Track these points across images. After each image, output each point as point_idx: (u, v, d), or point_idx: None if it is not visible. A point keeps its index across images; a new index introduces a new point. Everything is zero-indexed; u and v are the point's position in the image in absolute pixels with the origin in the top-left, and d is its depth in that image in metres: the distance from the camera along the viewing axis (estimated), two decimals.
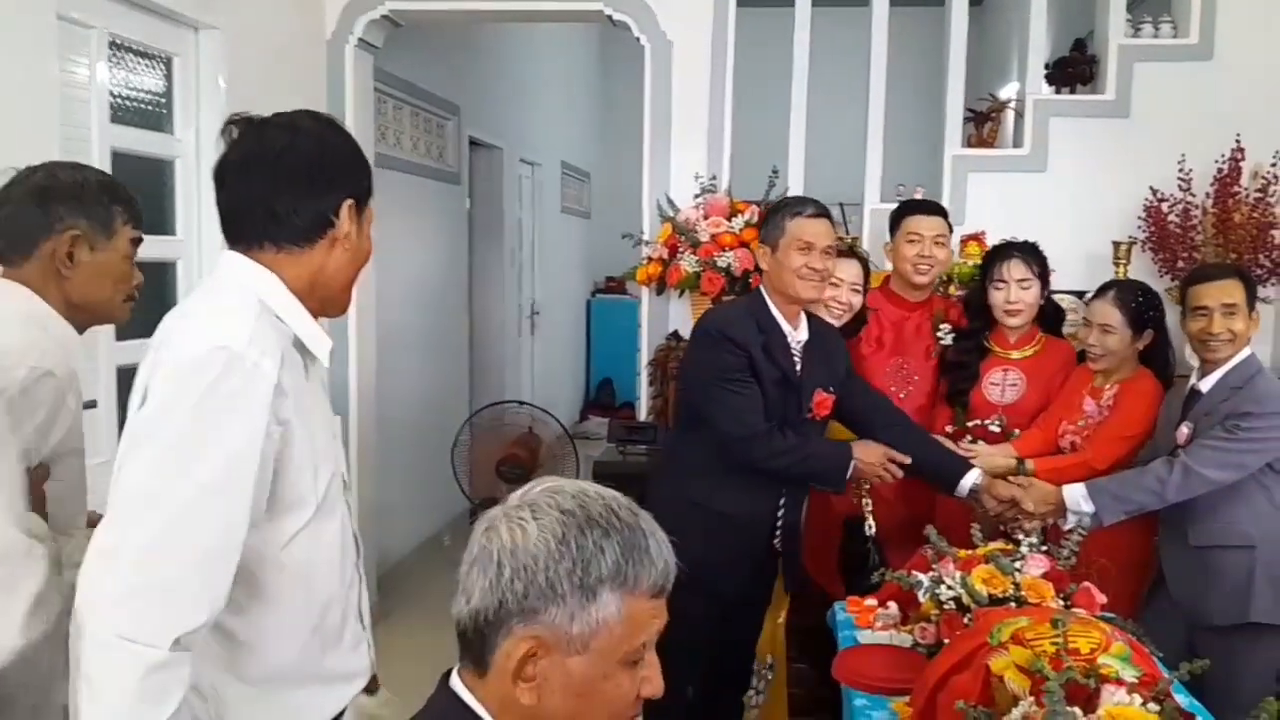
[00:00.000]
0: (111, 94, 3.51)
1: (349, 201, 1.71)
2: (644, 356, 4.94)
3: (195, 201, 3.94)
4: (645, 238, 4.86)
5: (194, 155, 3.95)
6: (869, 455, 3.20)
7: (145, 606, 1.46)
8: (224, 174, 1.70)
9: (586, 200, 10.85)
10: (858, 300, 3.58)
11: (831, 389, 3.25)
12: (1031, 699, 1.84)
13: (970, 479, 3.27)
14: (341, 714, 1.84)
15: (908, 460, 3.22)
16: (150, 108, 3.80)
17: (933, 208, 3.84)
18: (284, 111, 1.76)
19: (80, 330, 2.10)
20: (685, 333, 4.67)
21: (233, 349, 1.54)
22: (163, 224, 3.85)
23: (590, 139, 10.81)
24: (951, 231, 3.84)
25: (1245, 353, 3.18)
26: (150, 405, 1.55)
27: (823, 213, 3.19)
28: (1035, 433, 3.59)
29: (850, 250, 3.66)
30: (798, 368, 3.20)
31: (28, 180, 2.05)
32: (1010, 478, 3.37)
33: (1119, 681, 1.85)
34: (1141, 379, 3.47)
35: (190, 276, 3.92)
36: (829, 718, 3.64)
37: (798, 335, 3.23)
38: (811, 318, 3.33)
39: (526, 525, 1.28)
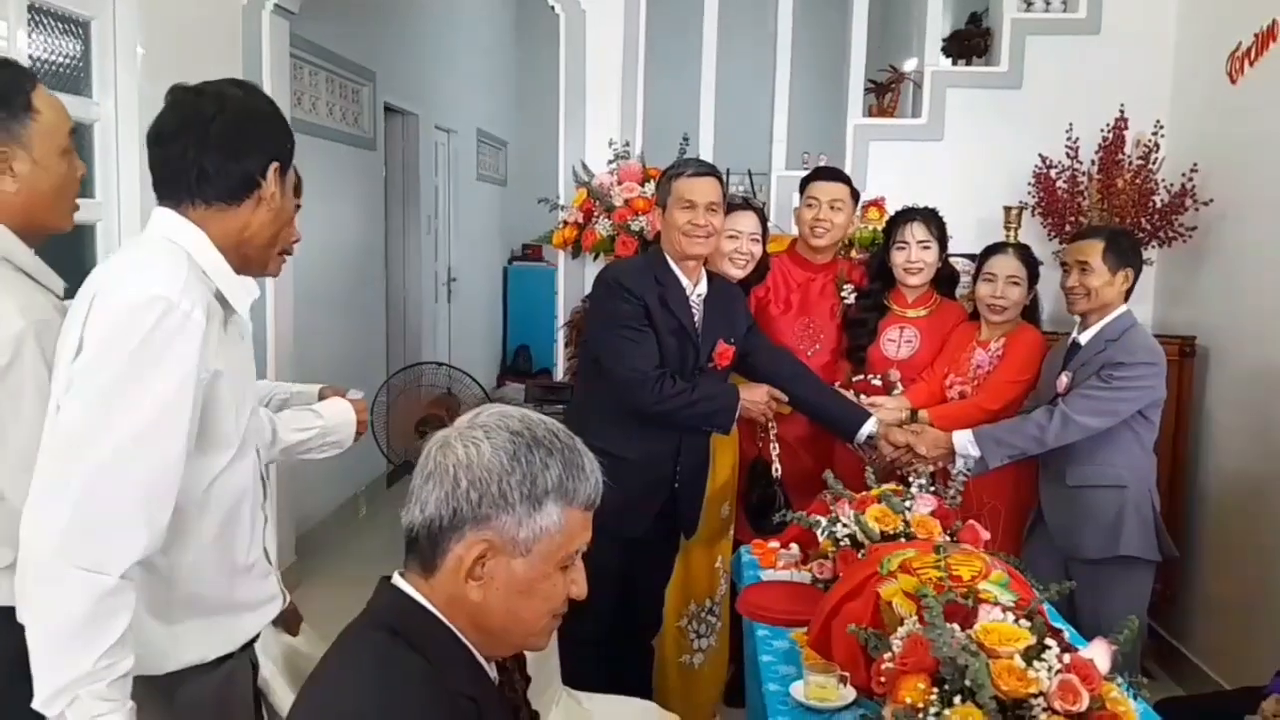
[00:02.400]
0: (30, 57, 3.52)
1: (274, 164, 1.83)
2: (561, 323, 5.04)
3: (114, 165, 3.95)
4: (561, 203, 4.96)
5: (113, 119, 3.95)
6: (754, 395, 3.41)
7: (95, 537, 1.57)
8: (159, 136, 1.81)
9: (503, 168, 10.84)
10: (757, 249, 3.73)
11: (732, 340, 3.40)
12: (915, 619, 2.02)
13: (868, 427, 3.47)
14: (254, 640, 1.96)
15: (786, 399, 3.45)
16: (69, 72, 3.81)
17: (835, 175, 4.01)
18: (213, 80, 1.88)
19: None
20: None
21: (168, 298, 1.65)
22: (81, 187, 3.86)
23: (507, 107, 10.78)
24: (856, 198, 4.01)
25: (1121, 309, 3.42)
26: (89, 351, 1.63)
27: (706, 172, 3.32)
28: (922, 386, 3.80)
29: (746, 203, 3.81)
30: (696, 319, 3.34)
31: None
32: (905, 426, 3.58)
33: (997, 604, 2.03)
34: (1027, 330, 3.73)
35: (109, 238, 3.93)
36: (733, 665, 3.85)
37: (697, 289, 3.37)
38: (712, 275, 3.47)
39: (480, 444, 1.44)
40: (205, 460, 1.75)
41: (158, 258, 1.74)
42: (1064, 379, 3.43)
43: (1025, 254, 3.77)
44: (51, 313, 1.96)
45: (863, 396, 3.74)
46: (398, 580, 1.51)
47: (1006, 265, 3.71)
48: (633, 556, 3.33)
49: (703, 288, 3.39)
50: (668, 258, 3.35)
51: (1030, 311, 3.81)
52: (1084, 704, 1.73)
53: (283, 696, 1.97)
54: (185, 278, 1.70)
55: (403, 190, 7.75)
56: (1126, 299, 3.48)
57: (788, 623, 2.66)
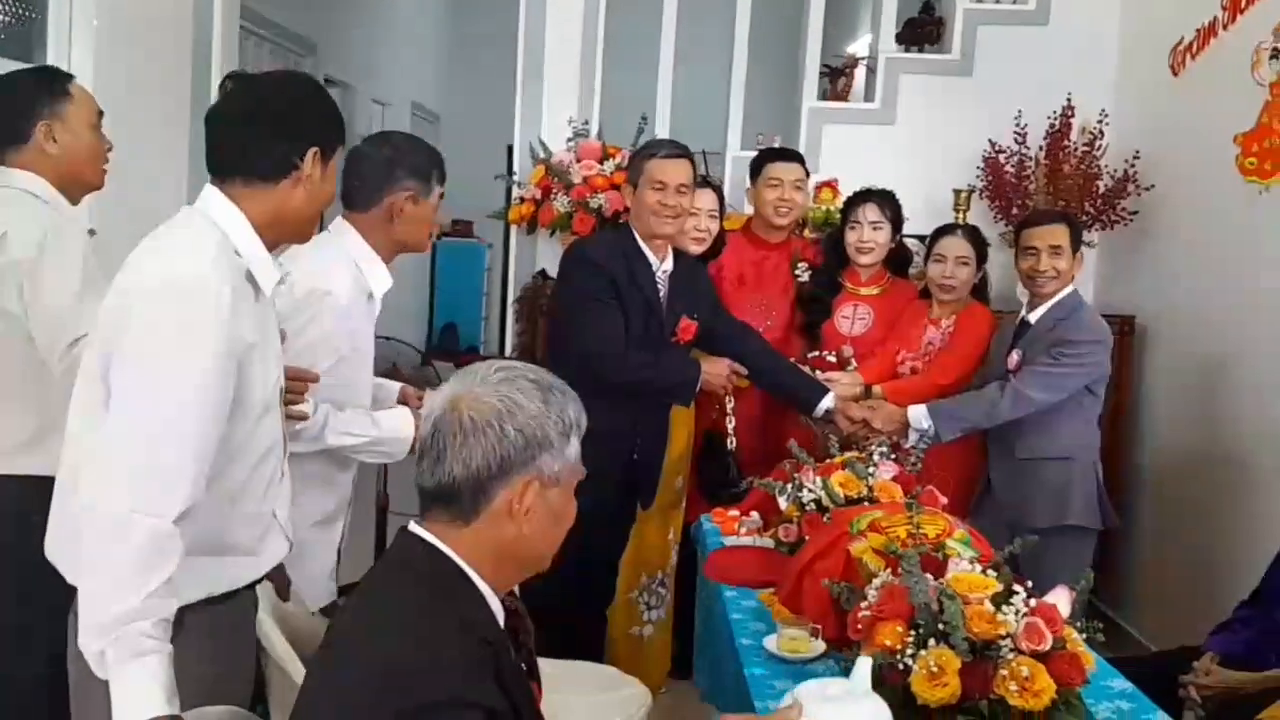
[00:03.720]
0: None
1: (314, 149, 1.96)
2: (494, 300, 5.08)
3: None
4: (517, 179, 5.00)
5: None
6: (715, 368, 3.49)
7: (156, 487, 1.70)
8: (211, 117, 1.97)
9: (435, 143, 10.71)
10: (715, 226, 3.81)
11: (695, 316, 3.48)
12: (888, 571, 2.12)
13: (826, 402, 3.57)
14: (258, 582, 2.06)
15: (745, 371, 3.54)
16: (25, 42, 3.80)
17: (791, 155, 4.12)
18: (275, 70, 2.01)
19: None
20: (553, 271, 4.83)
21: (200, 273, 1.79)
22: None
23: (440, 81, 10.67)
24: (809, 177, 4.11)
25: (1069, 289, 3.55)
26: (136, 325, 1.77)
27: (678, 154, 3.39)
28: (875, 362, 3.91)
29: (705, 181, 3.90)
30: (662, 295, 3.42)
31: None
32: (860, 401, 3.68)
33: (962, 559, 2.15)
34: (977, 308, 3.86)
35: None
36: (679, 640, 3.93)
37: (664, 266, 3.45)
38: (678, 253, 3.55)
39: (514, 395, 1.58)
40: (235, 424, 1.87)
41: (191, 235, 1.89)
42: (1014, 356, 3.55)
43: (974, 235, 3.90)
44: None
45: (818, 372, 3.84)
46: (420, 531, 1.60)
47: (956, 246, 3.83)
48: (590, 527, 3.39)
49: (669, 264, 3.47)
50: (636, 235, 3.42)
51: (980, 290, 3.93)
52: (1048, 644, 1.84)
53: (276, 641, 2.04)
54: (215, 254, 1.84)
55: (340, 164, 7.68)
56: (1072, 279, 3.60)
57: (755, 584, 2.75)
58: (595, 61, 5.05)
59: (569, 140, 4.84)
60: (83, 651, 1.69)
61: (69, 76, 2.76)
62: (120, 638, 1.64)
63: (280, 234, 2.00)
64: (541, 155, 4.90)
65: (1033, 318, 3.58)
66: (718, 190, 3.88)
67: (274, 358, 2.01)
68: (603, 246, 3.46)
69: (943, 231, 3.95)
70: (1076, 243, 3.55)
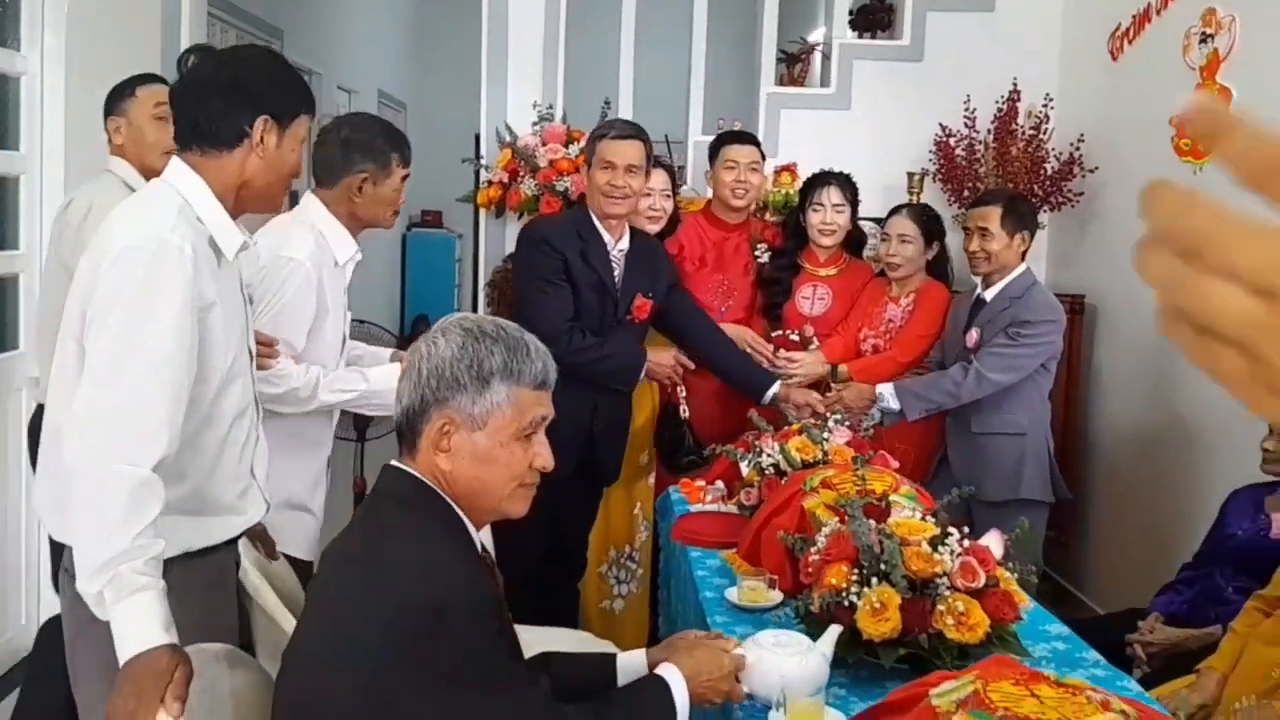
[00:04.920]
0: None
1: (264, 117, 2.06)
2: (466, 290, 5.18)
3: (38, 117, 4.00)
4: (484, 163, 5.12)
5: (38, 73, 3.99)
6: (661, 359, 3.61)
7: (132, 438, 1.83)
8: (175, 90, 2.10)
9: (403, 131, 10.76)
10: (669, 205, 3.95)
11: (651, 295, 3.58)
12: (837, 520, 2.29)
13: (772, 389, 3.67)
14: (237, 539, 2.20)
15: (692, 366, 3.67)
16: None
17: (746, 137, 4.25)
18: (237, 45, 2.11)
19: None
20: None
21: (160, 236, 1.91)
22: (6, 139, 3.95)
23: (406, 69, 10.70)
24: (764, 160, 4.26)
25: (1021, 268, 3.69)
26: (104, 287, 1.89)
27: (629, 134, 3.49)
28: (838, 340, 4.08)
29: (657, 161, 4.03)
30: (617, 275, 3.53)
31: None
32: (833, 383, 3.84)
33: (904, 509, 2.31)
34: (933, 286, 4.02)
35: (32, 190, 4.00)
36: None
37: (619, 244, 3.55)
38: (636, 232, 3.66)
39: (439, 341, 1.75)
40: (203, 387, 1.99)
41: (153, 202, 2.01)
42: (974, 334, 3.69)
43: (918, 214, 4.05)
44: None
45: (783, 351, 3.99)
46: (398, 463, 1.79)
47: (898, 225, 3.99)
48: (558, 499, 3.53)
49: (625, 243, 3.56)
50: (592, 214, 3.52)
51: (939, 269, 4.10)
52: (981, 581, 2.01)
53: (264, 592, 2.19)
54: (175, 219, 1.95)
55: (306, 152, 7.74)
56: (1024, 259, 3.74)
57: (719, 545, 2.91)
58: (558, 47, 5.17)
59: (534, 124, 4.95)
60: (83, 596, 1.82)
61: (147, 79, 3.25)
62: (116, 577, 1.77)
63: (244, 201, 2.10)
64: (507, 139, 5.02)
65: (987, 295, 3.72)
66: (669, 169, 4.00)
67: (238, 323, 2.12)
68: (557, 226, 3.57)
69: (892, 212, 4.12)
70: (1016, 224, 3.66)
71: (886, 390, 3.70)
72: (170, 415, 1.87)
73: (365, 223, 2.90)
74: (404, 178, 2.90)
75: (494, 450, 1.74)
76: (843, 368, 3.91)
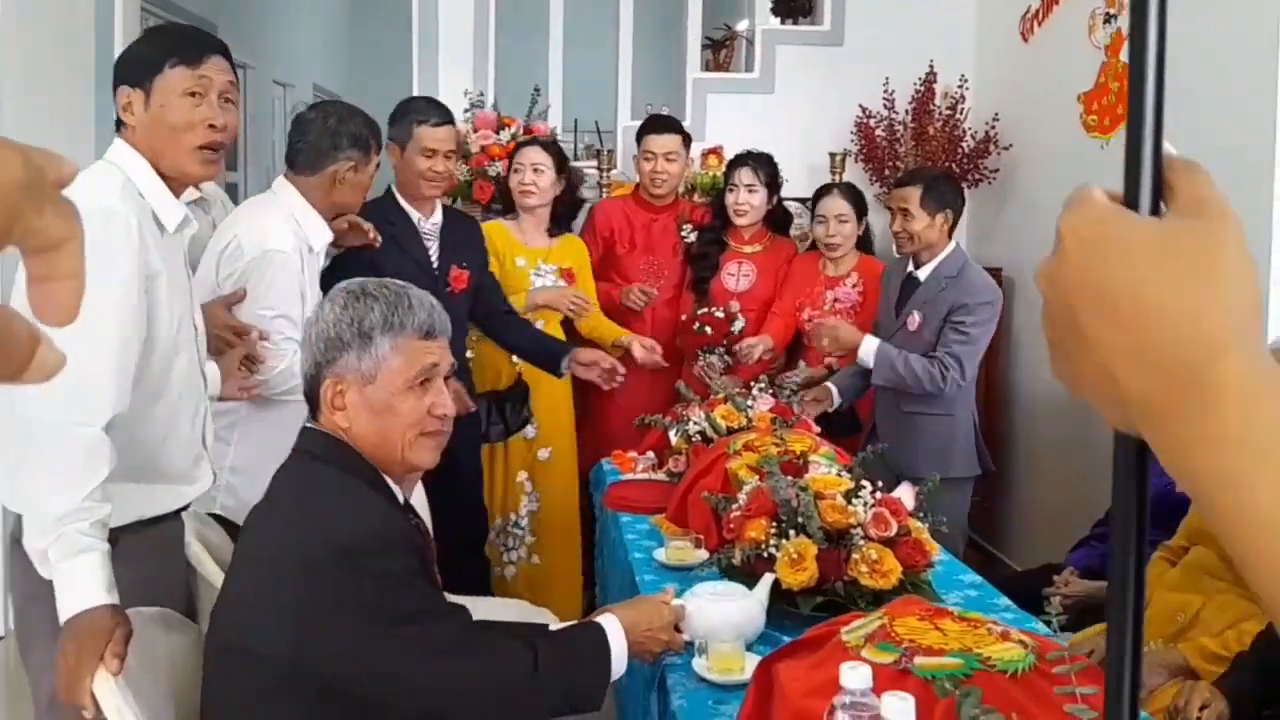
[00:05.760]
0: None
1: (123, 88, 2.15)
2: None
3: None
4: None
5: None
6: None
7: (83, 396, 1.88)
8: None
9: None
10: (544, 180, 4.00)
11: (465, 265, 3.62)
12: (757, 477, 2.40)
13: (566, 360, 3.68)
14: (185, 508, 2.26)
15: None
16: None
17: (666, 126, 4.32)
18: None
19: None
20: None
21: (106, 207, 1.98)
22: None
23: (340, 61, 10.65)
24: (688, 145, 4.35)
25: (951, 246, 3.71)
26: None
27: (448, 120, 3.56)
28: (778, 322, 4.18)
29: (534, 139, 4.14)
30: (433, 250, 3.59)
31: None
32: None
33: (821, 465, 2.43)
34: (870, 261, 4.13)
35: None
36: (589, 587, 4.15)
37: (430, 220, 3.61)
38: (448, 210, 3.76)
39: (325, 306, 1.85)
40: (149, 358, 2.06)
41: (96, 177, 2.07)
42: (915, 318, 3.69)
43: (850, 192, 4.16)
44: None
45: (745, 344, 4.07)
46: (314, 425, 1.87)
47: (835, 206, 4.10)
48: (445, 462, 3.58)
49: (438, 218, 3.63)
50: (398, 196, 3.58)
51: (865, 244, 4.24)
52: (893, 530, 2.13)
53: (205, 560, 2.26)
54: (120, 192, 2.03)
55: (245, 149, 7.72)
56: (950, 236, 3.74)
57: (649, 511, 3.01)
58: (489, 34, 5.23)
59: (465, 111, 5.01)
60: (29, 553, 1.89)
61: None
62: (62, 536, 1.84)
63: (165, 174, 2.14)
64: None
65: (921, 275, 3.71)
66: (548, 147, 4.07)
67: (182, 295, 2.18)
68: (365, 212, 3.53)
69: (821, 193, 4.21)
70: (938, 203, 3.65)
71: (868, 349, 3.64)
72: (120, 375, 1.94)
73: (339, 209, 2.97)
74: (378, 165, 3.02)
75: (388, 401, 1.81)
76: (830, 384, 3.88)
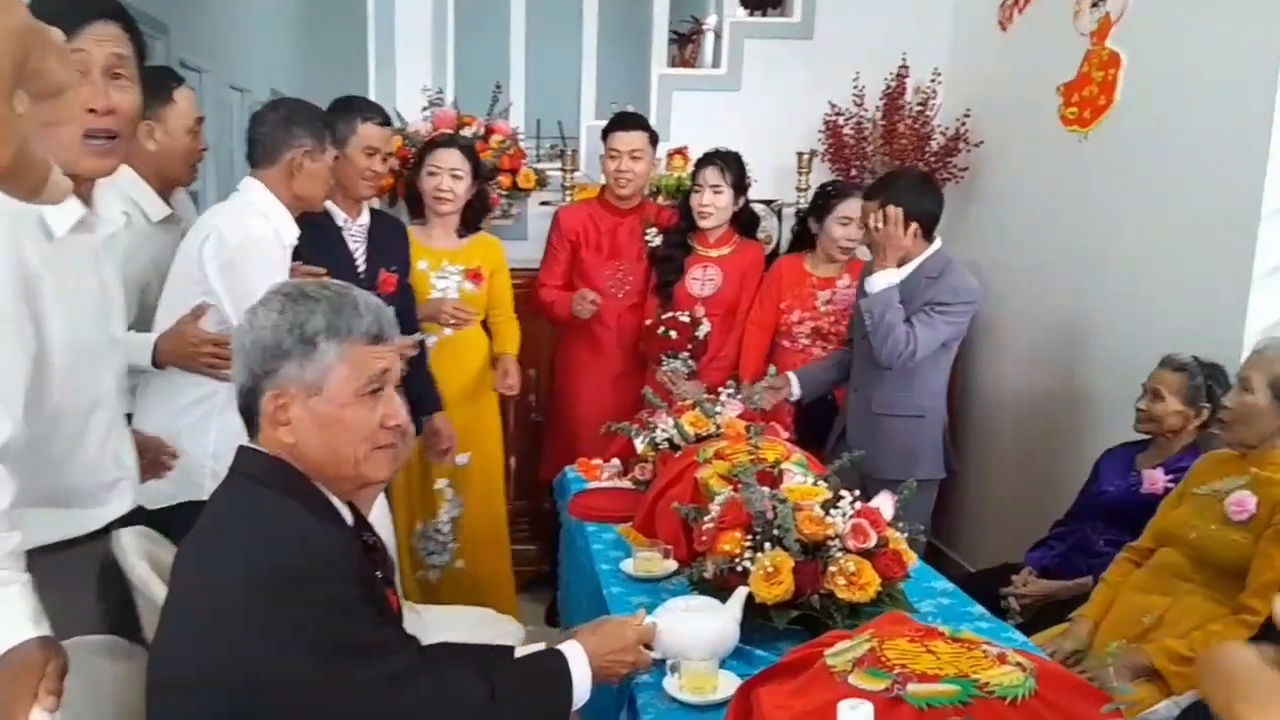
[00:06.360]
0: None
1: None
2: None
3: None
4: None
5: None
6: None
7: None
8: None
9: None
10: (460, 186, 3.89)
11: (395, 269, 3.58)
12: (730, 487, 2.30)
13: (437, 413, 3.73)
14: (100, 532, 2.09)
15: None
16: None
17: (631, 123, 4.19)
18: None
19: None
20: None
21: None
22: None
23: (296, 65, 10.30)
24: (655, 144, 4.23)
25: (933, 248, 3.59)
26: None
27: (384, 120, 3.53)
28: (755, 334, 4.12)
29: (451, 140, 4.00)
30: (359, 252, 3.52)
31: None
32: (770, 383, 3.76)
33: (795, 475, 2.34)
34: (860, 264, 4.00)
35: None
36: (551, 591, 4.06)
37: (359, 221, 3.55)
38: (375, 211, 3.69)
39: (258, 311, 1.68)
40: (43, 376, 1.86)
41: None
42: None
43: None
44: None
45: (680, 353, 4.00)
46: (249, 444, 1.72)
47: (857, 208, 3.84)
48: None
49: (365, 219, 3.57)
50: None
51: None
52: (872, 542, 2.04)
53: (150, 581, 2.12)
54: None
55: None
56: (930, 238, 3.60)
57: (615, 520, 2.91)
58: (447, 29, 5.10)
59: (424, 109, 4.88)
60: None
61: (177, 81, 3.04)
62: None
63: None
64: (397, 125, 4.92)
65: (899, 275, 3.58)
66: (466, 149, 3.96)
67: (87, 305, 1.98)
68: None
69: (840, 193, 4.08)
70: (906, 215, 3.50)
71: (883, 278, 3.55)
72: (10, 398, 1.75)
73: (303, 202, 2.95)
74: (335, 157, 3.01)
75: (337, 414, 1.67)
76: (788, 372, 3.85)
